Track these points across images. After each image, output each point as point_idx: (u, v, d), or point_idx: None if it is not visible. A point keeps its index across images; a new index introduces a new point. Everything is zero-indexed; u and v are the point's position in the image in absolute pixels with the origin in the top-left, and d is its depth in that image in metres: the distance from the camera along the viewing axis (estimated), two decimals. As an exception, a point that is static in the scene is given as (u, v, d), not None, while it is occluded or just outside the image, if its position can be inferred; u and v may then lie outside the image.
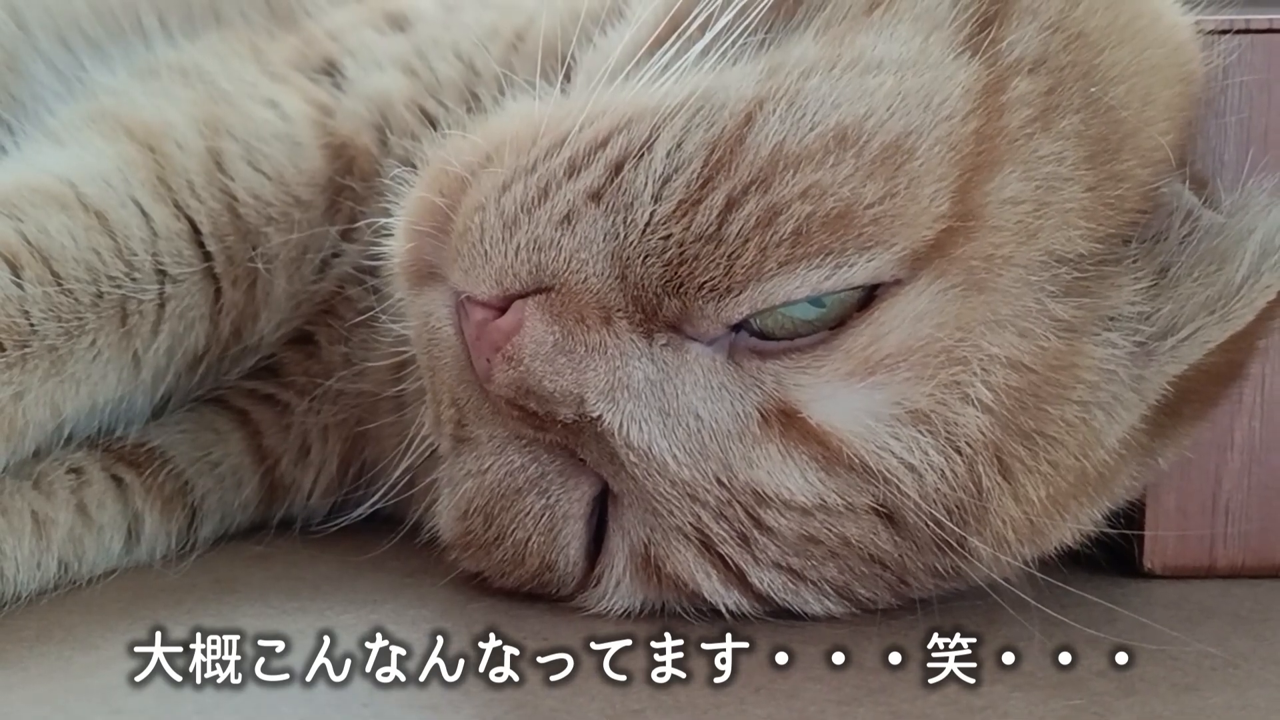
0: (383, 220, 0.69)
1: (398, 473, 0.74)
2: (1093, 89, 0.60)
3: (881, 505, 0.61)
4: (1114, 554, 0.75)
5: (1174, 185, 0.64)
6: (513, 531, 0.66)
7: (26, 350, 0.69)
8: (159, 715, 0.57)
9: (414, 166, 0.72)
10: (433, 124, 0.81)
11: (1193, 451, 0.71)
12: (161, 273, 0.75)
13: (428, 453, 0.73)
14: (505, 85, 0.75)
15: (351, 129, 0.82)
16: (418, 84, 0.83)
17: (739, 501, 0.61)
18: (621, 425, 0.60)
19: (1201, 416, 0.68)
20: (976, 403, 0.59)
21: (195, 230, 0.77)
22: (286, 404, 0.84)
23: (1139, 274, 0.62)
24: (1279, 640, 0.65)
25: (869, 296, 0.59)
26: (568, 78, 0.73)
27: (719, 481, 0.61)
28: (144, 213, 0.76)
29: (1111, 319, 0.61)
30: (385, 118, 0.82)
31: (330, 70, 0.86)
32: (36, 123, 0.85)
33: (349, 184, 0.80)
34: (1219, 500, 0.73)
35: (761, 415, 0.60)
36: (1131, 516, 0.73)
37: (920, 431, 0.59)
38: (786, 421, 0.60)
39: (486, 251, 0.61)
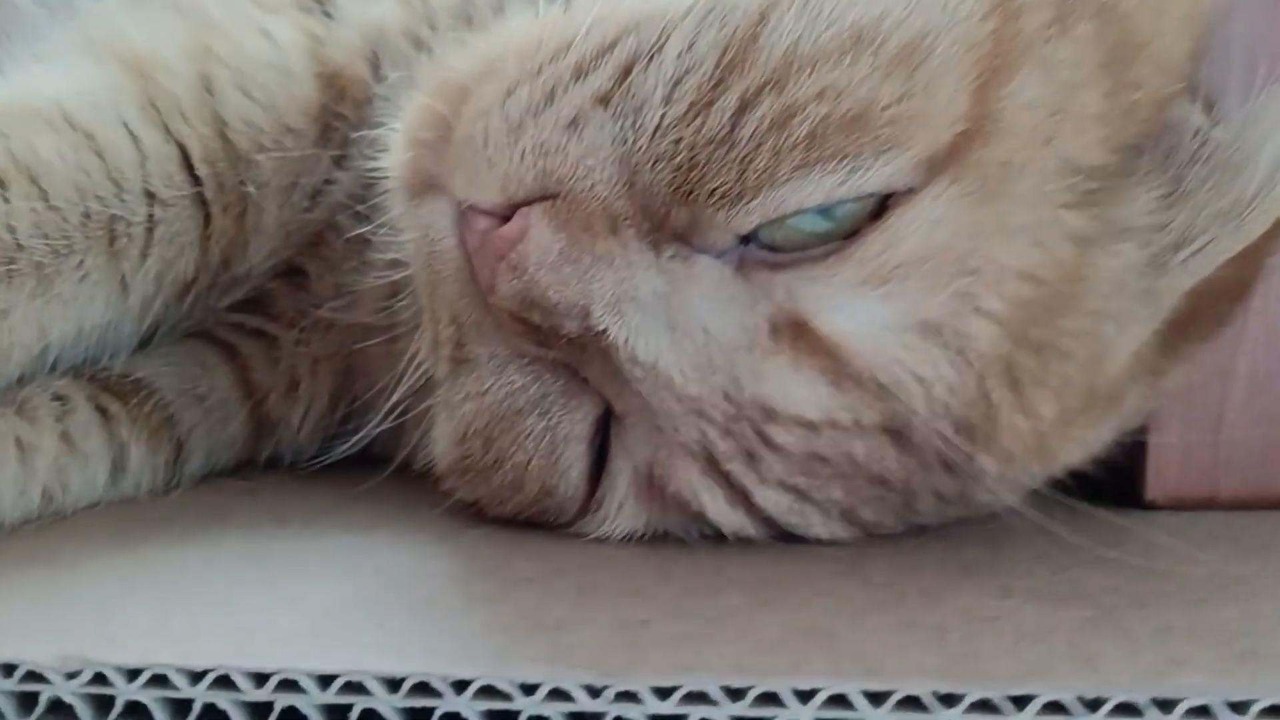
0: (380, 131, 0.68)
1: (391, 402, 0.73)
2: None
3: (890, 423, 0.60)
4: (1116, 492, 0.74)
5: (1183, 105, 0.64)
6: (512, 454, 0.65)
7: (12, 267, 0.67)
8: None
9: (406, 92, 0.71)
10: (427, 52, 0.79)
11: (1196, 382, 0.71)
12: (150, 195, 0.74)
13: (422, 381, 0.71)
14: (500, 9, 0.74)
15: (344, 58, 0.81)
16: (411, 11, 0.82)
17: (746, 417, 0.60)
18: (627, 339, 0.59)
19: (1208, 337, 0.67)
20: (988, 314, 0.58)
21: (185, 156, 0.76)
22: (275, 338, 0.83)
23: (1152, 186, 0.61)
24: (1285, 563, 0.65)
25: (881, 207, 0.58)
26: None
27: (726, 396, 0.60)
28: (133, 135, 0.74)
29: (1124, 230, 0.61)
30: (379, 46, 0.81)
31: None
32: (23, 52, 0.83)
33: (342, 111, 0.79)
34: (1222, 431, 0.73)
35: (771, 327, 0.59)
36: (1134, 450, 0.73)
37: (931, 343, 0.58)
38: (796, 333, 0.59)
39: (490, 158, 0.60)
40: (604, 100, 0.59)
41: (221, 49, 0.79)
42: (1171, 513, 0.74)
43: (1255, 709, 0.47)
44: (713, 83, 0.58)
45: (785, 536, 0.64)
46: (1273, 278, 0.69)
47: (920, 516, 0.65)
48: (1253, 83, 0.64)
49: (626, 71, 0.59)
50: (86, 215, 0.71)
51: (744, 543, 0.64)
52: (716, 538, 0.64)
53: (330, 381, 0.83)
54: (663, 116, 0.58)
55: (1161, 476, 0.73)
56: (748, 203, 0.57)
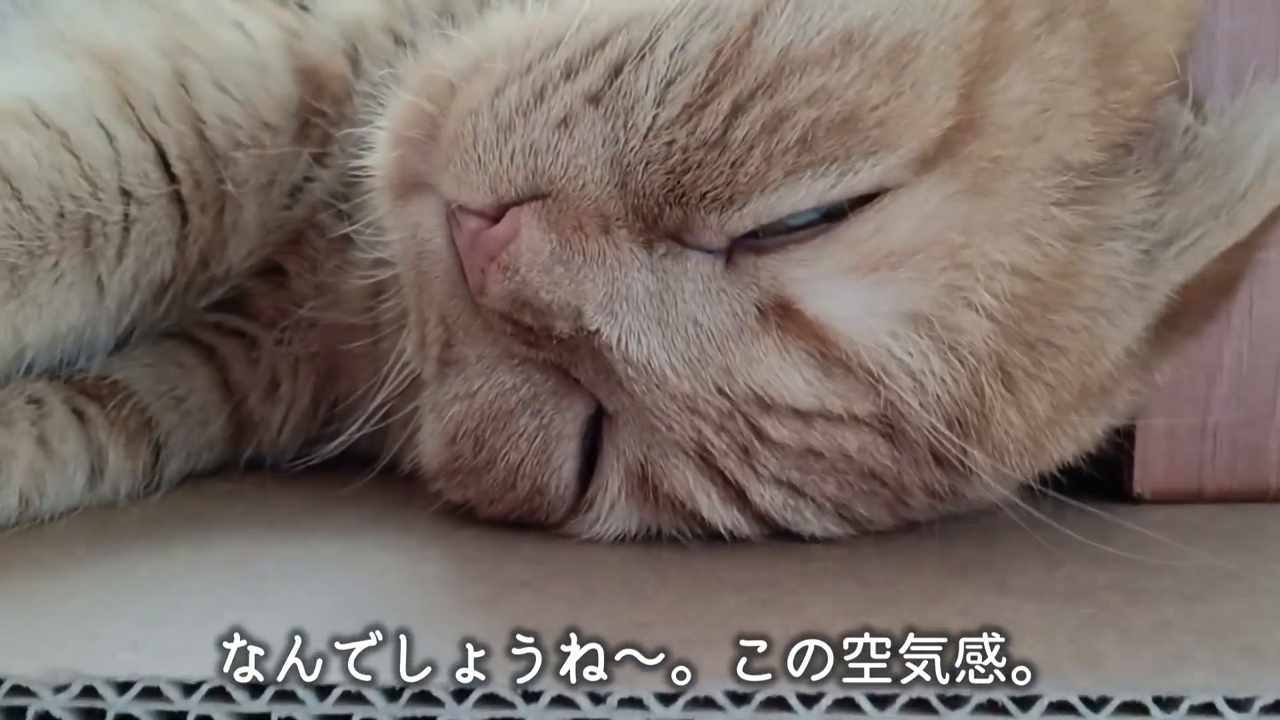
0: (364, 130, 0.67)
1: (375, 403, 0.72)
2: None
3: (881, 415, 0.60)
4: (1103, 487, 0.74)
5: (1172, 103, 0.64)
6: (504, 454, 0.64)
7: (-15, 268, 0.66)
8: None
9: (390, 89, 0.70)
10: (409, 48, 0.78)
11: (1182, 376, 0.71)
12: (126, 194, 0.72)
13: (407, 382, 0.70)
14: (484, 3, 0.73)
15: (322, 53, 0.79)
16: (391, 7, 0.80)
17: (740, 411, 0.59)
18: (620, 339, 0.59)
19: (1197, 331, 0.68)
20: (980, 309, 0.58)
21: (161, 153, 0.75)
22: (254, 338, 0.82)
23: (1142, 184, 0.61)
24: (1275, 554, 0.65)
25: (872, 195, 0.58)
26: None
27: (719, 390, 0.59)
28: (107, 133, 0.73)
29: (1115, 228, 0.60)
30: (358, 41, 0.80)
31: (297, -8, 0.84)
32: (-9, 48, 0.82)
33: (321, 108, 0.78)
34: (1207, 425, 0.73)
35: (759, 311, 0.58)
36: (1120, 445, 0.73)
37: (920, 335, 0.58)
38: (783, 314, 0.58)
39: (480, 157, 0.59)
40: (595, 99, 0.59)
41: (196, 44, 0.78)
42: (1158, 506, 0.74)
43: (1258, 705, 0.47)
44: (706, 85, 0.57)
45: (779, 535, 0.64)
46: (1256, 271, 0.70)
47: (913, 512, 0.65)
48: (1240, 80, 0.65)
49: (617, 70, 0.59)
50: (61, 215, 0.69)
51: (737, 543, 0.64)
52: (709, 537, 0.64)
53: (312, 382, 0.82)
54: (655, 117, 0.58)
55: (1148, 470, 0.73)
56: (740, 208, 0.57)
